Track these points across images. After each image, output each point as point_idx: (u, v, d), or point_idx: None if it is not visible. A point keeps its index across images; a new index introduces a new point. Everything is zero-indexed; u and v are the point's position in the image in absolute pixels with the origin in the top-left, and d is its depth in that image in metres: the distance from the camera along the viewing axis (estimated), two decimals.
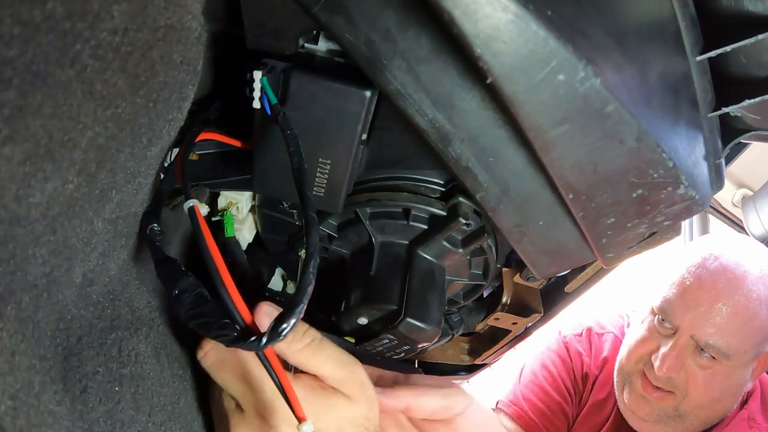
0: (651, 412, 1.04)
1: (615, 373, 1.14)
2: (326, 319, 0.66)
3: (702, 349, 0.98)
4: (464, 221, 0.55)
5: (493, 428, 0.57)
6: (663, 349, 1.01)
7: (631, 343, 1.09)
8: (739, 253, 1.04)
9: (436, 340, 0.61)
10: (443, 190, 0.57)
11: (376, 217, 0.58)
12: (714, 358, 0.98)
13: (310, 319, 0.64)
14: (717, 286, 0.98)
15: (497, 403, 1.26)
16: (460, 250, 0.59)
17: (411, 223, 0.57)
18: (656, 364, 1.01)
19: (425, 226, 0.58)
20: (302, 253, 0.63)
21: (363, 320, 0.59)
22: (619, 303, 1.41)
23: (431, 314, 0.58)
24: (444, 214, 0.56)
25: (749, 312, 0.97)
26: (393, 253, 0.59)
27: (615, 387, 1.14)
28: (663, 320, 1.03)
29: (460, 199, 0.55)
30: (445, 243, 0.58)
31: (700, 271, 1.01)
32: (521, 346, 0.92)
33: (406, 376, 0.57)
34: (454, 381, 0.58)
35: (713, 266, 1.01)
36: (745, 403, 1.07)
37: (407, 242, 0.60)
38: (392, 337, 0.58)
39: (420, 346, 0.62)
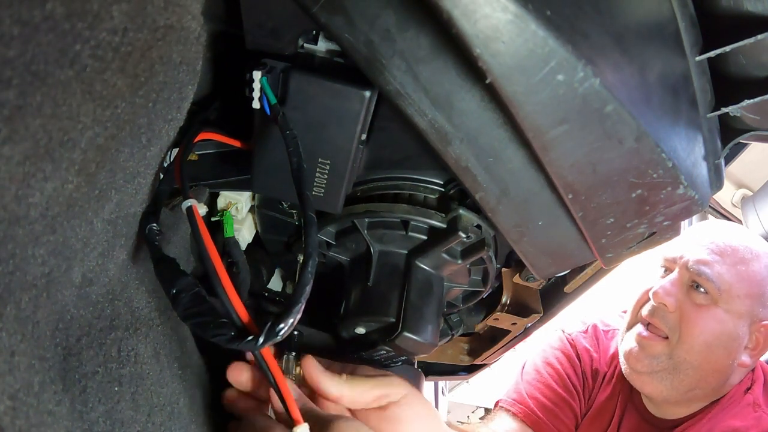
0: (644, 359, 1.07)
1: (618, 336, 1.18)
2: (326, 320, 0.66)
3: (697, 285, 1.04)
4: (464, 235, 0.54)
5: (432, 419, 0.57)
6: (660, 282, 1.08)
7: (634, 300, 1.14)
8: (741, 227, 1.17)
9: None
10: (442, 190, 0.57)
11: (374, 226, 0.58)
12: (708, 293, 1.03)
13: (310, 319, 0.64)
14: (714, 231, 1.10)
15: (497, 402, 1.25)
16: (460, 262, 0.59)
17: (410, 233, 0.57)
18: (652, 292, 1.07)
19: (424, 237, 0.57)
20: (300, 257, 0.63)
21: (361, 330, 0.59)
22: (619, 302, 1.41)
23: (429, 327, 0.58)
24: (444, 226, 0.55)
25: (739, 254, 1.06)
26: (391, 263, 0.59)
27: (618, 349, 1.16)
28: (665, 268, 1.11)
29: (461, 211, 0.55)
30: (445, 255, 0.58)
31: (702, 228, 1.13)
32: (521, 346, 0.92)
33: (353, 366, 0.58)
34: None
35: (716, 225, 1.15)
36: (749, 389, 1.09)
37: (406, 252, 0.59)
38: (389, 348, 0.58)
39: (417, 357, 0.62)
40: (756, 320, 1.05)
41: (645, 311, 1.08)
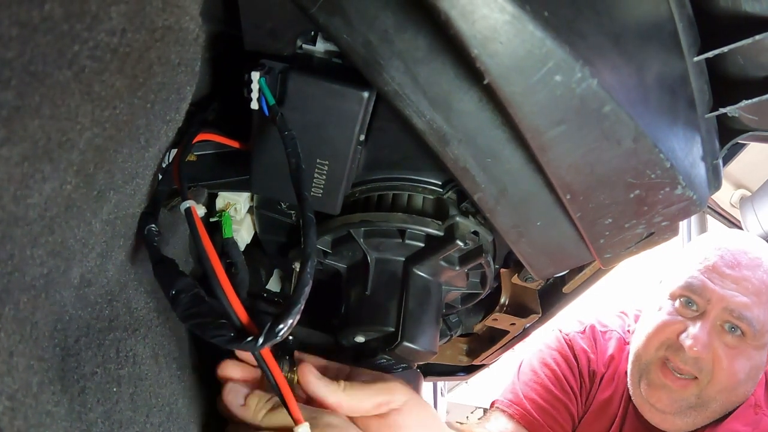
0: (672, 402, 1.04)
1: (630, 365, 1.13)
2: (325, 322, 0.66)
3: (731, 327, 1.00)
4: (461, 243, 0.54)
5: (433, 424, 0.56)
6: (693, 329, 1.01)
7: (651, 331, 1.08)
8: (749, 238, 1.13)
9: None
10: (441, 191, 0.57)
11: (370, 235, 0.57)
12: (743, 335, 0.99)
13: (310, 320, 0.64)
14: (741, 263, 1.03)
15: (493, 403, 1.24)
16: (457, 268, 0.59)
17: (407, 241, 0.56)
18: (687, 343, 1.00)
19: (421, 245, 0.57)
20: (296, 266, 0.63)
21: (360, 339, 0.59)
22: (616, 303, 1.40)
23: (428, 336, 0.58)
24: (440, 234, 0.55)
25: None
26: (389, 271, 0.59)
27: (629, 380, 1.13)
28: (688, 302, 1.04)
29: (457, 219, 0.54)
30: (442, 262, 0.57)
31: (722, 252, 1.06)
32: (519, 346, 0.92)
33: (350, 367, 0.57)
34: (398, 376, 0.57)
35: (733, 246, 1.07)
36: None
37: (403, 260, 0.59)
38: (389, 357, 0.58)
39: (417, 364, 0.61)
40: None
41: (676, 359, 1.03)
